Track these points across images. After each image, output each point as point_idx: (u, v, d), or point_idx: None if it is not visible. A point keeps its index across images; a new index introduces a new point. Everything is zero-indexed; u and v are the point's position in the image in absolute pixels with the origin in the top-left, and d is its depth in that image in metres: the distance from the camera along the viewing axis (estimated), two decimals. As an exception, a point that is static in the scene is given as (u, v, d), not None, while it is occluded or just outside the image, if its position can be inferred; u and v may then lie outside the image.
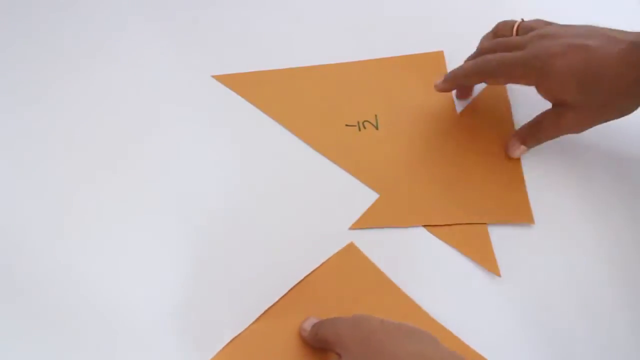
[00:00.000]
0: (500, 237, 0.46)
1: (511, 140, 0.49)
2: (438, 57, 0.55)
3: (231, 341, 0.41)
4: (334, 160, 0.49)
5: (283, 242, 0.45)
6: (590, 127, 0.45)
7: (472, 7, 0.59)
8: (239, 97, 0.52)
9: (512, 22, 0.49)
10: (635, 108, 0.44)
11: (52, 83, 0.52)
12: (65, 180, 0.47)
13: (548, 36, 0.45)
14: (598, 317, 0.43)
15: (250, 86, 0.53)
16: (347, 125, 0.52)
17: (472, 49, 0.51)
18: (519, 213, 0.47)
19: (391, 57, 0.55)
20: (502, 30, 0.50)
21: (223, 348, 0.41)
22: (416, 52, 0.56)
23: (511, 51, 0.46)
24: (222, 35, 0.56)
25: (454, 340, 0.42)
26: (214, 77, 0.53)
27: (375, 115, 0.52)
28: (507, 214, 0.47)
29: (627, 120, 0.45)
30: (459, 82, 0.50)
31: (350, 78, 0.54)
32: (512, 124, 0.51)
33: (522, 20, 0.49)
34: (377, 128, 0.52)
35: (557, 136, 0.47)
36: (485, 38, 0.51)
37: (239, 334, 0.41)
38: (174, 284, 0.43)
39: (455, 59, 0.54)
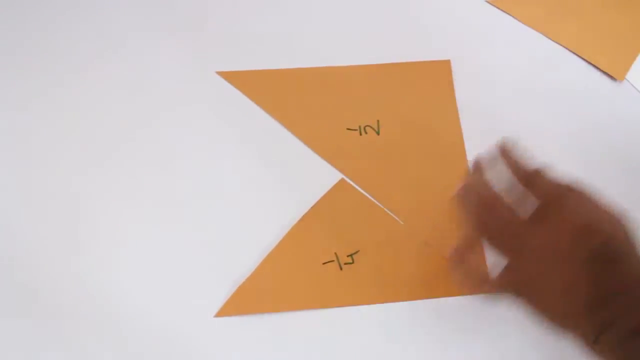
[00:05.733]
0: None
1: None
2: (444, 65, 0.55)
3: (239, 287, 0.42)
4: (332, 163, 0.49)
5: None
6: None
7: (481, 21, 0.59)
8: (242, 95, 0.52)
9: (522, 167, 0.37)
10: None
11: (57, 82, 0.51)
12: (70, 180, 0.46)
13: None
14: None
15: (254, 84, 0.53)
16: (348, 129, 0.51)
17: (479, 59, 0.50)
18: None
19: (397, 63, 0.55)
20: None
21: (232, 295, 0.42)
22: (423, 60, 0.55)
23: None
24: (229, 33, 0.56)
25: None
26: (218, 73, 0.53)
27: (377, 121, 0.52)
28: None
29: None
30: None
31: (354, 81, 0.54)
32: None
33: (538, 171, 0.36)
34: (378, 133, 0.51)
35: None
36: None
37: (246, 278, 0.43)
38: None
39: (461, 69, 0.53)
